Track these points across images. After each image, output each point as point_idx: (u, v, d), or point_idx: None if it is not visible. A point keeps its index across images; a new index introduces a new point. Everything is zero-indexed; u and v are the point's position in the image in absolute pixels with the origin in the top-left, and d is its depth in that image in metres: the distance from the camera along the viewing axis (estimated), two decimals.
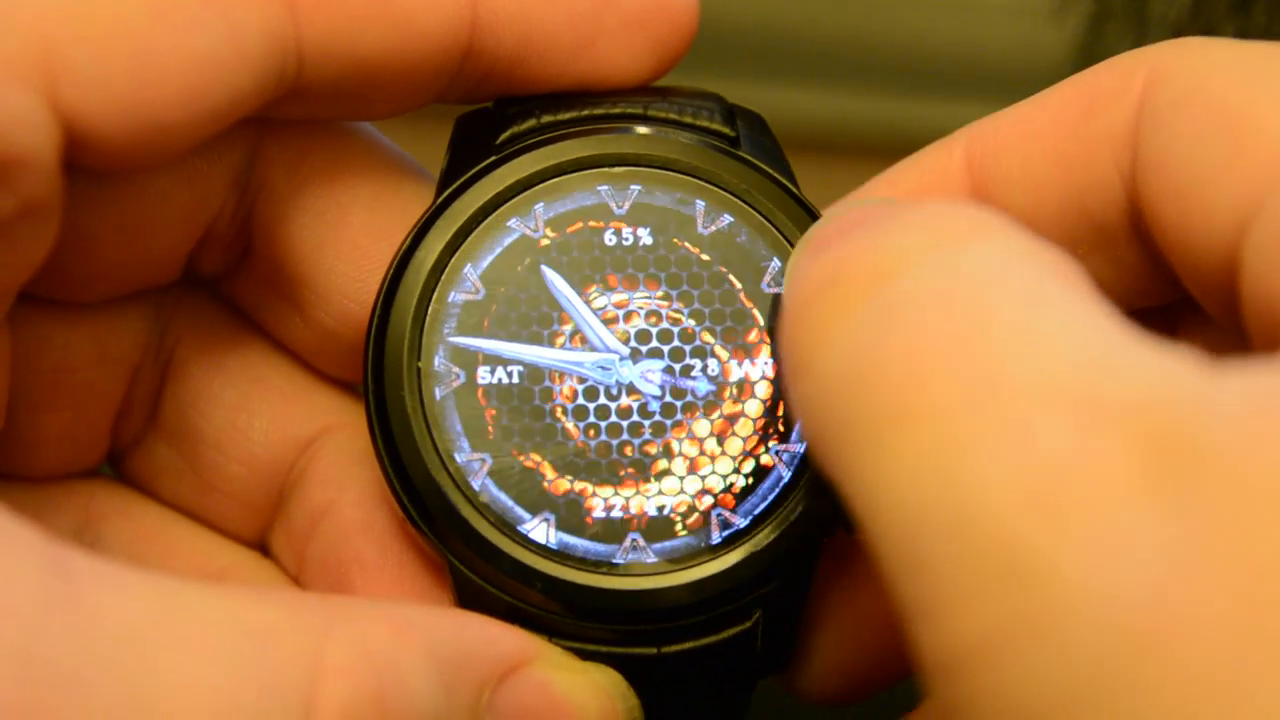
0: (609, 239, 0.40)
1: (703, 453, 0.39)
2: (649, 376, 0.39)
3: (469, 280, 0.40)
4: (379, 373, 0.39)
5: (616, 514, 0.39)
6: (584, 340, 0.39)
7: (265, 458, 0.42)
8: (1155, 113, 0.36)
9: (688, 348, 0.40)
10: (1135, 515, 0.25)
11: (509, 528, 0.38)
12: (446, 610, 0.38)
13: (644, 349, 0.39)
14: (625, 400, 0.39)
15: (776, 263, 0.40)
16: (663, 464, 0.39)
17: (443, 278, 0.40)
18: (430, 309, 0.39)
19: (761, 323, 0.40)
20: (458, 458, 0.39)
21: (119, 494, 0.43)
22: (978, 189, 0.40)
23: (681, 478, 0.39)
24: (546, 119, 0.41)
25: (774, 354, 0.40)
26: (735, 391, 0.39)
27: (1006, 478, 0.26)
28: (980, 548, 0.26)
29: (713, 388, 0.39)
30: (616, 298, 0.40)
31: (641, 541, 0.39)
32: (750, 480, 0.39)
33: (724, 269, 0.40)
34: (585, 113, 0.41)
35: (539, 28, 0.40)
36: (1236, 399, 0.26)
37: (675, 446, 0.39)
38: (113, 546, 0.41)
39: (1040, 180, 0.39)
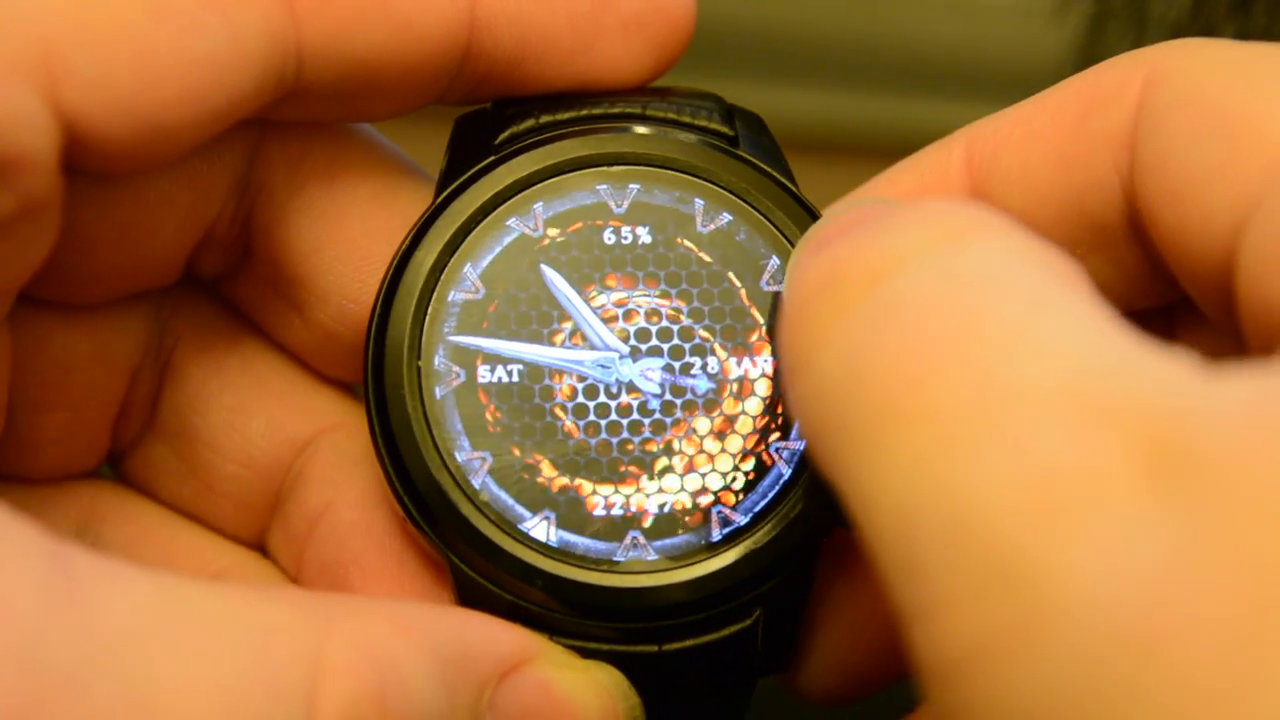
0: (608, 238, 0.40)
1: (703, 450, 0.39)
2: (649, 375, 0.39)
3: (469, 279, 0.40)
4: (379, 372, 0.39)
5: (617, 512, 0.39)
6: (584, 339, 0.39)
7: (263, 459, 0.42)
8: (1153, 114, 0.36)
9: (687, 346, 0.40)
10: (1133, 520, 0.25)
11: (510, 526, 0.38)
12: (447, 609, 0.38)
13: (644, 347, 0.40)
14: (625, 398, 0.39)
15: (775, 261, 0.40)
16: (663, 462, 0.39)
17: (442, 277, 0.40)
18: (430, 308, 0.39)
19: (761, 321, 0.40)
20: (458, 456, 0.39)
21: (118, 495, 0.43)
22: (977, 189, 0.40)
23: (682, 475, 0.39)
24: (545, 119, 0.41)
25: (773, 352, 0.40)
26: (735, 389, 0.39)
27: (1003, 481, 0.26)
28: (976, 551, 0.26)
29: (712, 386, 0.39)
30: (616, 296, 0.40)
31: (642, 539, 0.39)
32: (750, 478, 0.39)
33: (723, 267, 0.40)
34: (584, 113, 0.41)
35: (537, 29, 0.40)
36: (1235, 403, 0.26)
37: (675, 444, 0.39)
38: (112, 547, 0.41)
39: (1039, 180, 0.39)
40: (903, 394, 0.28)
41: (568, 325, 0.40)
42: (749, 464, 0.39)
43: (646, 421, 0.39)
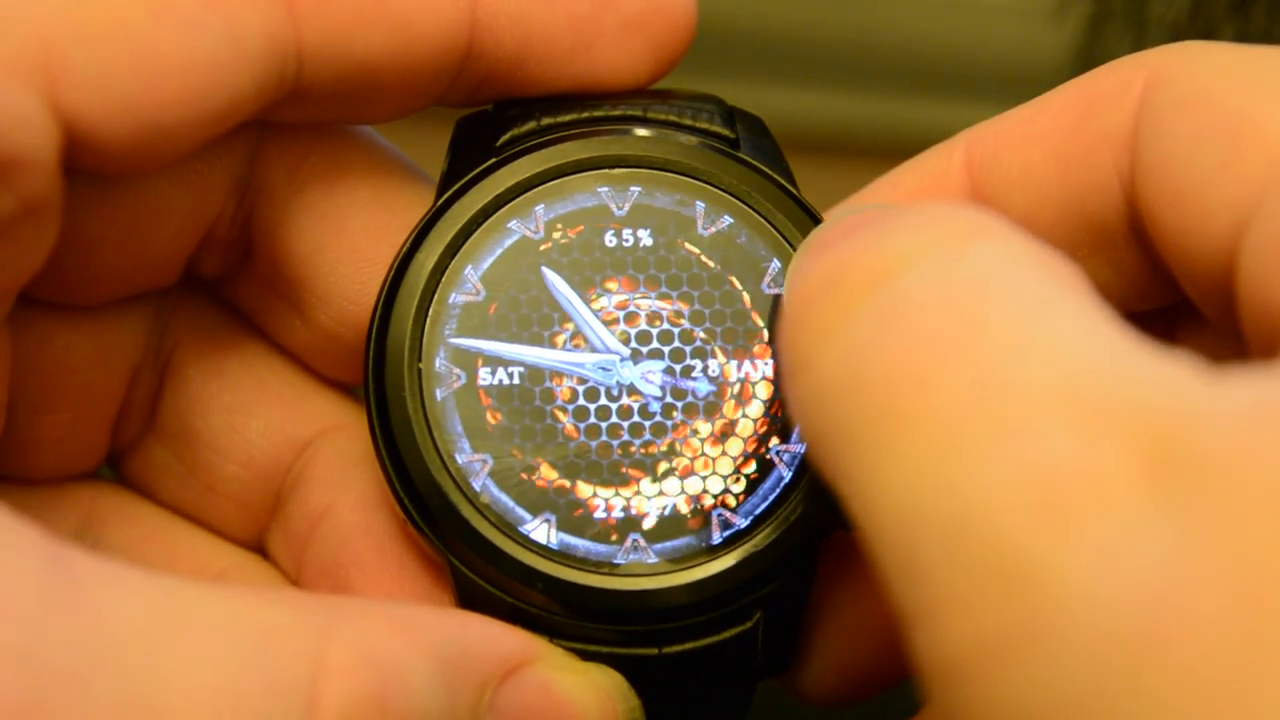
0: (609, 240, 0.40)
1: (703, 453, 0.39)
2: (649, 377, 0.39)
3: (469, 282, 0.40)
4: (380, 374, 0.39)
5: (617, 514, 0.39)
6: (584, 341, 0.39)
7: (263, 460, 0.42)
8: (1154, 116, 0.36)
9: (688, 348, 0.40)
10: (1135, 521, 0.25)
11: (510, 528, 0.38)
12: (448, 610, 0.38)
13: (644, 350, 0.39)
14: (626, 401, 0.39)
15: (776, 264, 0.40)
16: (663, 465, 0.39)
17: (443, 279, 0.40)
18: (431, 310, 0.39)
19: (762, 324, 0.40)
20: (458, 458, 0.39)
21: (119, 496, 0.43)
22: (978, 191, 0.40)
23: (682, 478, 0.39)
24: (546, 121, 0.41)
25: (774, 354, 0.40)
26: (736, 392, 0.39)
27: (1006, 482, 0.26)
28: (978, 553, 0.26)
29: (713, 388, 0.39)
30: (617, 299, 0.40)
31: (642, 542, 0.39)
32: (751, 480, 0.39)
33: (724, 270, 0.40)
34: (585, 115, 0.41)
35: (538, 30, 0.40)
36: (1236, 406, 0.26)
37: (676, 447, 0.39)
38: (113, 548, 0.41)
39: (1040, 183, 0.39)
40: (905, 395, 0.28)
41: (569, 328, 0.40)
42: (750, 467, 0.39)
43: (647, 424, 0.39)
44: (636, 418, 0.39)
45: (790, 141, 0.43)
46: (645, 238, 0.40)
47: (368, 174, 0.41)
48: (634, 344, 0.40)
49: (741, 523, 0.39)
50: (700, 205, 0.40)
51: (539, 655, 0.36)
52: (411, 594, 0.40)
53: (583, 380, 0.39)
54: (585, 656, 0.38)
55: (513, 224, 0.40)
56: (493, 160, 0.40)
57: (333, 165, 0.41)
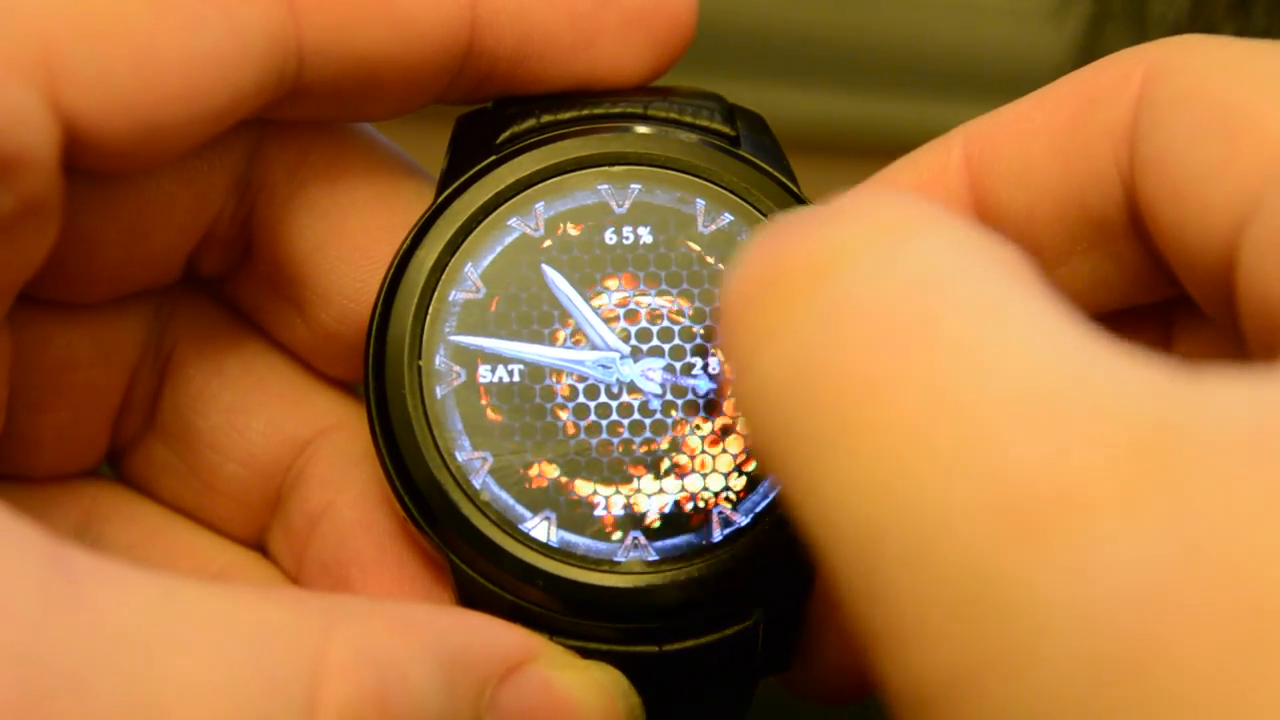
0: (609, 238, 0.40)
1: (704, 450, 0.39)
2: (650, 375, 0.39)
3: (469, 279, 0.40)
4: (380, 372, 0.39)
5: (618, 512, 0.39)
6: (585, 339, 0.39)
7: (263, 458, 0.42)
8: (1153, 110, 0.36)
9: (688, 346, 0.40)
10: (1112, 534, 0.24)
11: (510, 526, 0.38)
12: (448, 609, 0.38)
13: (645, 347, 0.39)
14: (626, 398, 0.39)
15: None
16: (664, 462, 0.39)
17: (443, 277, 0.39)
18: (431, 308, 0.39)
19: None
20: (459, 456, 0.39)
21: (119, 494, 0.43)
22: (976, 186, 0.40)
23: (682, 476, 0.39)
24: (546, 118, 0.41)
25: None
26: None
27: (972, 497, 0.24)
28: (947, 574, 0.24)
29: (713, 386, 0.39)
30: (617, 296, 0.40)
31: (643, 539, 0.39)
32: (751, 478, 0.39)
33: (725, 267, 0.40)
34: (585, 112, 0.41)
35: (539, 27, 0.40)
36: (1215, 410, 0.25)
37: (676, 444, 0.39)
38: (113, 546, 0.41)
39: (1039, 176, 0.39)
40: (855, 403, 0.26)
41: (569, 325, 0.40)
42: (750, 464, 0.39)
43: (647, 422, 0.39)
44: (637, 415, 0.39)
45: (789, 141, 0.43)
46: (645, 235, 0.40)
47: (368, 172, 0.41)
48: (634, 341, 0.39)
49: (742, 520, 0.39)
50: (701, 203, 0.40)
51: (539, 653, 0.36)
52: (412, 592, 0.40)
53: (583, 378, 0.39)
54: (586, 654, 0.38)
55: (513, 221, 0.40)
56: (493, 158, 0.40)
57: (333, 163, 0.41)
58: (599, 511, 0.39)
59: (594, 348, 0.39)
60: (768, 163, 0.41)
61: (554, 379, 0.39)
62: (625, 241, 0.40)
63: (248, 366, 0.43)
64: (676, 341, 0.39)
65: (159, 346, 0.42)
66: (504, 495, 0.39)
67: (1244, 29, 0.72)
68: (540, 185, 0.40)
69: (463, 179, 0.40)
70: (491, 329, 0.39)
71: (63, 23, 0.33)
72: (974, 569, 0.24)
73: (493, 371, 0.39)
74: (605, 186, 0.40)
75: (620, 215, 0.40)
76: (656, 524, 0.39)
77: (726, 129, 0.41)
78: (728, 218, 0.40)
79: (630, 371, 0.39)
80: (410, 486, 0.39)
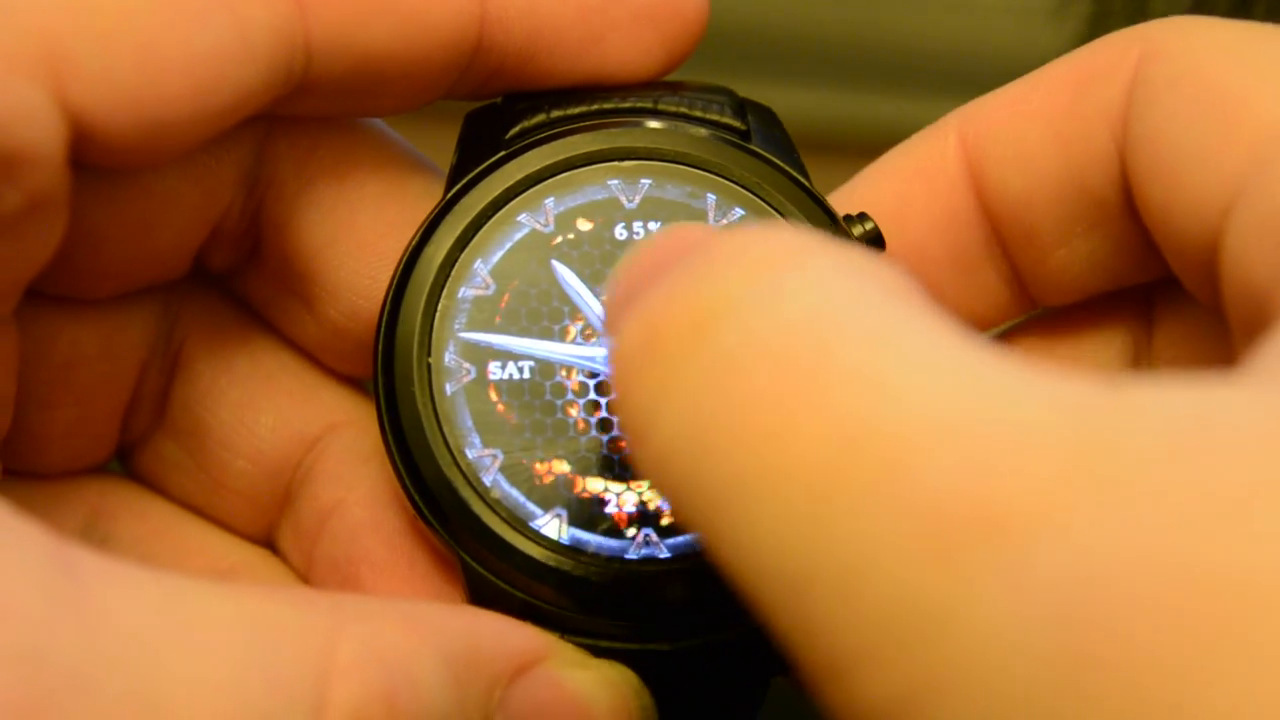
0: (620, 233, 0.40)
1: None
2: None
3: (479, 275, 0.39)
4: (389, 368, 0.39)
5: (629, 509, 0.38)
6: (595, 335, 0.39)
7: (272, 455, 0.42)
8: (1147, 90, 0.36)
9: None
10: (1037, 552, 0.23)
11: (521, 524, 0.38)
12: (458, 608, 0.38)
13: None
14: None
15: None
16: None
17: (453, 273, 0.39)
18: (440, 304, 0.39)
19: None
20: (469, 454, 0.38)
21: (128, 491, 0.43)
22: (973, 171, 0.40)
23: None
24: (556, 114, 0.40)
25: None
26: None
27: (893, 529, 0.24)
28: (877, 605, 0.24)
29: None
30: None
31: (654, 536, 0.38)
32: None
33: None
34: (595, 107, 0.41)
35: (549, 22, 0.40)
36: (1135, 419, 0.24)
37: None
38: (122, 543, 0.41)
39: (1037, 159, 0.38)
40: (756, 455, 0.26)
41: (579, 321, 0.39)
42: None
43: None
44: None
45: (791, 138, 0.42)
46: (656, 230, 0.40)
47: (377, 167, 0.41)
48: None
49: None
50: (711, 198, 0.40)
51: (550, 652, 0.36)
52: (422, 590, 0.40)
53: (594, 374, 0.39)
54: (597, 652, 0.38)
55: (522, 217, 0.40)
56: (502, 153, 0.40)
57: (342, 159, 0.41)
58: (610, 509, 0.38)
59: (605, 344, 0.39)
60: (779, 157, 0.40)
61: (564, 375, 0.39)
62: (636, 237, 0.40)
63: (257, 362, 0.43)
64: None
65: (168, 342, 0.42)
66: (514, 492, 0.38)
67: None
68: (550, 180, 0.40)
69: (472, 174, 0.40)
70: (501, 325, 0.39)
71: (68, 20, 0.33)
72: (904, 598, 0.24)
73: (503, 368, 0.39)
74: (615, 182, 0.40)
75: (630, 210, 0.40)
76: (668, 521, 0.38)
77: (737, 123, 0.41)
78: (739, 212, 0.40)
79: None
80: (420, 484, 0.38)
